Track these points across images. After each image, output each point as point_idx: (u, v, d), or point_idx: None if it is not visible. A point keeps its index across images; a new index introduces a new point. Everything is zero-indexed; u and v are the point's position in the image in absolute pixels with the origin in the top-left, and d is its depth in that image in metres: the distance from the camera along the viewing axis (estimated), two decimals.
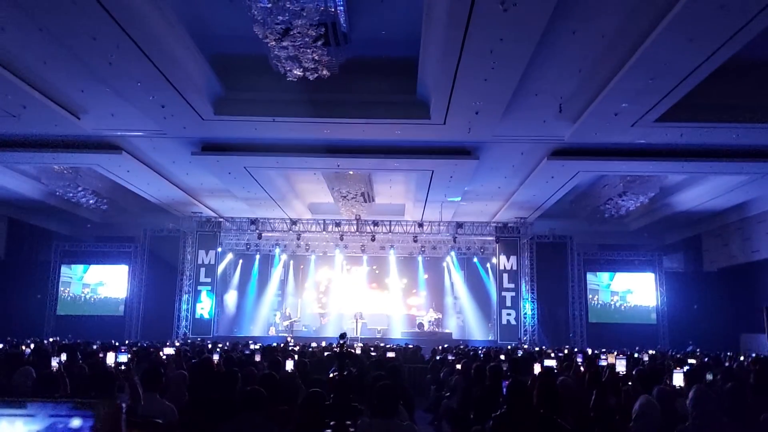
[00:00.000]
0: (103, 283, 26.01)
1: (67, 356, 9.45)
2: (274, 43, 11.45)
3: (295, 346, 16.41)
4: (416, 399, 11.34)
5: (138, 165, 19.72)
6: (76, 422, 1.16)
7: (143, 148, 18.64)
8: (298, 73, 12.54)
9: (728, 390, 6.48)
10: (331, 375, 2.84)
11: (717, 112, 15.02)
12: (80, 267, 26.04)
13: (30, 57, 13.08)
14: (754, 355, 15.94)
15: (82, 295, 25.89)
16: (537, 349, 18.23)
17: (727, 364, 11.79)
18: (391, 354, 12.09)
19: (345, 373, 2.81)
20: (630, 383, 6.61)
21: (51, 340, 17.93)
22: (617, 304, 25.80)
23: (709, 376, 7.88)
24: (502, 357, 11.40)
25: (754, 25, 10.49)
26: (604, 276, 25.96)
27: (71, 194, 22.56)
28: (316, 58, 12.04)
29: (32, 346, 13.38)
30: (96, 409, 1.17)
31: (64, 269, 26.00)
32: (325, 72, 12.63)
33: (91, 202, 23.47)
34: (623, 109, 14.33)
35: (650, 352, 15.15)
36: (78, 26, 11.11)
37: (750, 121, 15.15)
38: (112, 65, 12.59)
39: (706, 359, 12.84)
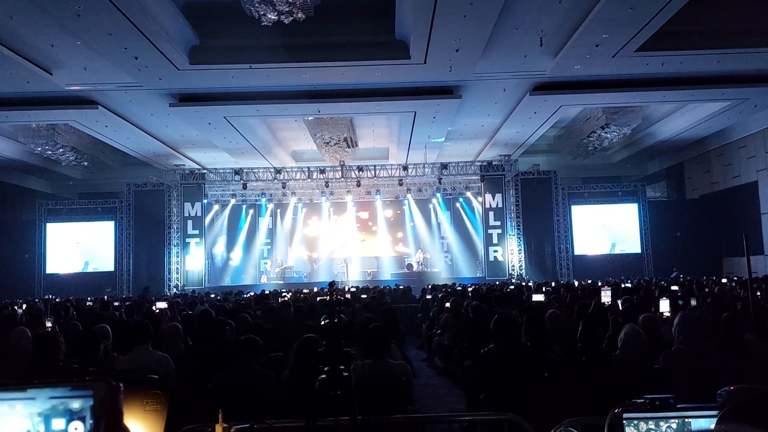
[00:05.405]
0: (78, 242, 25.73)
1: (58, 315, 9.53)
2: None
3: (288, 292, 16.58)
4: (409, 337, 11.62)
5: (115, 119, 19.40)
6: (75, 404, 1.18)
7: (119, 101, 18.28)
8: (273, 17, 12.24)
9: (712, 315, 6.69)
10: (322, 323, 2.89)
11: (697, 39, 14.93)
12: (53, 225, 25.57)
13: None
14: (736, 278, 16.32)
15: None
16: (524, 284, 18.52)
17: (707, 290, 12.07)
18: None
19: (336, 321, 2.85)
20: (615, 313, 6.78)
21: (46, 297, 17.94)
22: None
23: (693, 302, 8.12)
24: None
25: None
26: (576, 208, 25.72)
27: (50, 152, 22.22)
28: (290, 0, 11.73)
29: (24, 306, 13.39)
30: (95, 389, 1.19)
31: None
32: (300, 15, 12.33)
33: (71, 159, 23.16)
34: (604, 40, 14.19)
35: (628, 284, 14.77)
36: None
37: (730, 46, 15.09)
38: (80, 17, 12.21)
39: (690, 284, 13.16)
